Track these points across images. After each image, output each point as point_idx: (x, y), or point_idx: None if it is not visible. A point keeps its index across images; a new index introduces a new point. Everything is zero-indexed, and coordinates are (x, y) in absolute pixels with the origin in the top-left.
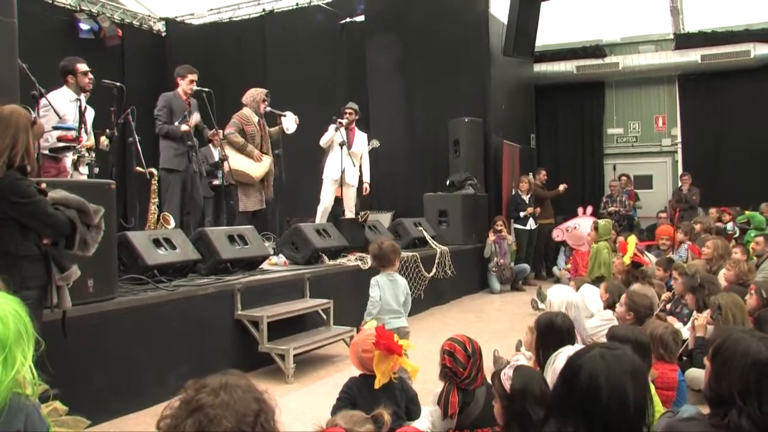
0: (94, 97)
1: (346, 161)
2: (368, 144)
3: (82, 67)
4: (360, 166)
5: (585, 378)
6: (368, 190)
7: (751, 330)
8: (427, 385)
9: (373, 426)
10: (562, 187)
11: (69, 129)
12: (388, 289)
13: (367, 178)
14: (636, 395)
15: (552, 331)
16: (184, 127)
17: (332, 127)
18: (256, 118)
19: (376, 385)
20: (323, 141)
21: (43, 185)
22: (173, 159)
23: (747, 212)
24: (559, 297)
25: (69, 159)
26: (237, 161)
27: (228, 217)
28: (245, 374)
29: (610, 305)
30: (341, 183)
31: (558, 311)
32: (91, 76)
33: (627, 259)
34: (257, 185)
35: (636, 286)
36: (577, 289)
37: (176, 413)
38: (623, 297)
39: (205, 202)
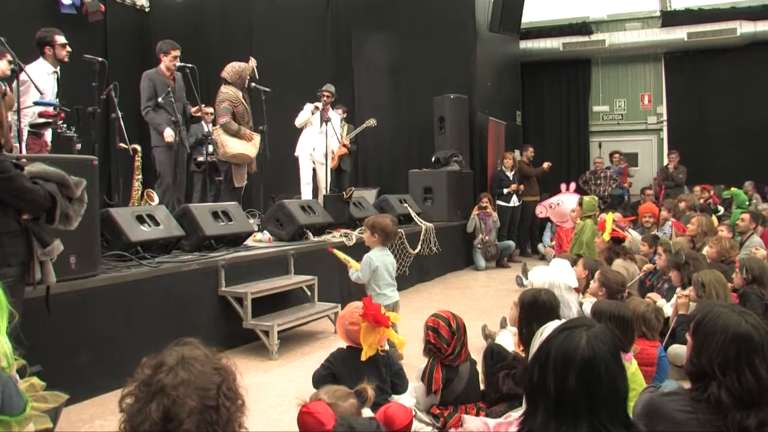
0: (76, 73)
1: (321, 139)
2: (365, 123)
3: (61, 39)
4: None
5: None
6: (335, 163)
7: (732, 304)
8: (412, 361)
9: (356, 401)
10: (546, 164)
11: (49, 104)
12: (384, 263)
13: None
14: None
15: (537, 307)
16: (168, 138)
17: (308, 107)
18: (241, 95)
19: (363, 358)
20: (299, 121)
21: (23, 160)
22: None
23: (733, 189)
24: (541, 278)
25: (49, 134)
26: (235, 146)
27: (214, 194)
28: (200, 342)
29: (589, 283)
30: (314, 160)
31: (542, 288)
32: (69, 48)
33: (606, 236)
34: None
35: (618, 262)
36: None
37: (138, 395)
38: (597, 273)
39: (193, 177)
